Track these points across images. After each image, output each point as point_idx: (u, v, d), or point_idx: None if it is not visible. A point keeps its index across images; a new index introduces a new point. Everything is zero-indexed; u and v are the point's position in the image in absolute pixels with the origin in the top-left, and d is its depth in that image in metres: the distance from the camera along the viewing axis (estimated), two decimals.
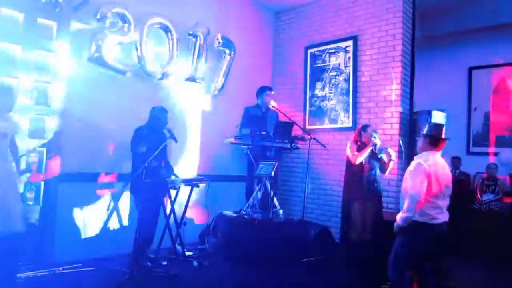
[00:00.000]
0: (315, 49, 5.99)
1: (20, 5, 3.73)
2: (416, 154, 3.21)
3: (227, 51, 5.54)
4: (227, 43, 5.51)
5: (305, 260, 4.44)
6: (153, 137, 3.88)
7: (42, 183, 3.81)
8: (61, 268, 3.65)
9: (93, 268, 3.79)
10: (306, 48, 6.09)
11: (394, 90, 5.07)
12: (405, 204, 2.97)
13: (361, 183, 4.17)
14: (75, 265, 3.76)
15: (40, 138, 3.85)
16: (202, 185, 4.22)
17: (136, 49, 4.57)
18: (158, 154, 3.75)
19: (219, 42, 5.41)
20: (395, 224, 3.06)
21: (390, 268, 3.08)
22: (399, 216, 3.03)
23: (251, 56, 6.10)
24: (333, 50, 5.78)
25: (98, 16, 4.24)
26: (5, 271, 2.83)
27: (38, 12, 3.83)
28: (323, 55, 5.89)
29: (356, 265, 4.04)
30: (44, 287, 3.29)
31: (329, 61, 5.82)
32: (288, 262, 4.29)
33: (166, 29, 4.85)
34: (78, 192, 4.11)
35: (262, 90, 5.19)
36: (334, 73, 5.75)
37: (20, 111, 3.64)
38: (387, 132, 5.06)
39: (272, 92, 5.22)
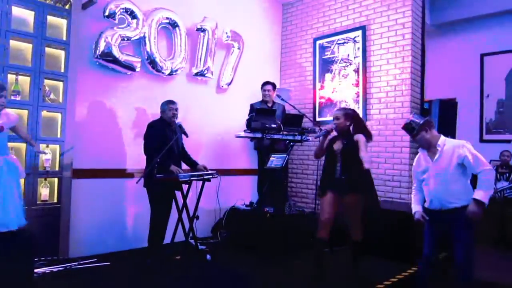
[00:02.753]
0: (324, 40, 5.94)
1: (31, 3, 3.77)
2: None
3: (236, 45, 5.52)
4: (235, 36, 5.50)
5: None
6: (165, 132, 3.89)
7: (57, 179, 3.86)
8: (76, 263, 3.69)
9: (109, 263, 3.83)
10: (315, 40, 6.04)
11: (404, 79, 5.02)
12: (489, 179, 2.76)
13: (331, 174, 3.58)
14: (91, 260, 3.80)
15: (53, 135, 3.90)
16: (213, 179, 4.23)
17: (145, 45, 4.58)
18: (171, 149, 3.77)
19: (227, 36, 5.40)
20: (477, 208, 2.68)
21: (470, 266, 2.75)
22: (481, 196, 2.68)
23: (259, 49, 6.08)
24: (342, 41, 5.73)
25: (106, 13, 4.24)
26: (22, 266, 2.88)
27: (48, 10, 3.86)
28: (332, 46, 5.84)
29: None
30: (61, 282, 3.32)
31: (338, 52, 5.77)
32: (300, 255, 4.29)
33: (174, 24, 4.85)
34: (92, 188, 4.15)
35: (262, 86, 5.21)
36: (343, 64, 5.70)
37: (32, 108, 3.70)
38: (397, 122, 5.01)
39: (269, 87, 5.18)
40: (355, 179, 3.40)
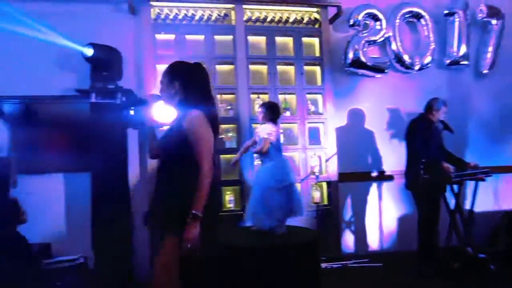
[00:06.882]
0: None
1: (288, 30, 4.31)
2: None
3: (494, 22, 4.73)
4: (493, 11, 4.72)
5: None
6: (429, 130, 3.68)
7: (325, 183, 4.21)
8: (352, 262, 3.90)
9: (381, 264, 3.87)
10: None
11: None
12: None
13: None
14: (364, 260, 3.94)
15: (316, 144, 4.28)
16: (488, 178, 3.70)
17: (390, 44, 4.51)
18: (437, 147, 3.54)
19: (482, 13, 4.70)
20: None
21: None
22: None
23: None
24: None
25: (351, 22, 4.41)
26: (311, 261, 3.20)
27: (302, 33, 4.33)
28: None
29: None
30: (340, 278, 3.57)
31: None
32: None
33: (418, 16, 4.59)
34: (355, 191, 4.39)
35: None
36: None
37: (300, 121, 4.19)
38: None
39: None
40: (162, 206, 1.90)
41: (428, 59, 4.55)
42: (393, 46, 4.50)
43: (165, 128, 2.07)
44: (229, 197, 3.94)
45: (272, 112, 3.31)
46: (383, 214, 4.46)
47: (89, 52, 3.33)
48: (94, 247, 3.45)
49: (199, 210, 1.77)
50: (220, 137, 3.90)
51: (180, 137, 1.88)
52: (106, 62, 3.50)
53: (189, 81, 1.97)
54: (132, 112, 3.38)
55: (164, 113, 2.08)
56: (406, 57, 4.49)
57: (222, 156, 4.02)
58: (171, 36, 4.02)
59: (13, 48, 3.71)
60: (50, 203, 3.77)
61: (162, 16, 4.01)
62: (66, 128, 3.79)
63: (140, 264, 3.71)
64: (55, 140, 3.78)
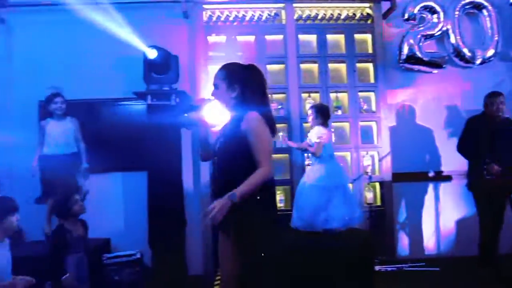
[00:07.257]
0: None
1: (339, 27, 4.23)
2: None
3: None
4: None
5: None
6: (486, 128, 3.46)
7: (378, 184, 4.10)
8: (407, 265, 3.76)
9: (438, 268, 3.70)
10: None
11: None
12: None
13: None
14: (419, 264, 3.79)
15: (369, 143, 4.17)
16: None
17: (449, 38, 4.28)
18: (503, 146, 3.32)
19: None
20: None
21: None
22: None
23: None
24: None
25: (405, 17, 4.24)
26: (365, 263, 3.13)
27: (354, 29, 4.23)
28: None
29: None
30: (396, 282, 3.46)
31: None
32: None
33: (479, 6, 4.32)
34: (410, 191, 4.22)
35: None
36: None
37: (352, 120, 4.11)
38: None
39: None
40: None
41: (490, 52, 4.27)
42: (452, 40, 4.27)
43: (218, 130, 2.08)
44: (279, 197, 3.94)
45: (322, 116, 3.38)
46: (440, 216, 4.26)
47: (153, 54, 3.45)
48: (150, 242, 3.61)
49: (239, 195, 1.74)
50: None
51: (237, 138, 1.87)
52: (164, 65, 3.63)
53: (248, 83, 1.96)
54: (185, 115, 3.49)
55: (216, 115, 2.10)
56: (466, 51, 4.25)
57: (273, 156, 4.04)
58: (223, 38, 4.09)
59: (75, 54, 3.97)
60: (109, 200, 3.99)
61: (214, 18, 4.09)
62: (124, 129, 3.98)
63: (193, 258, 3.84)
64: (114, 141, 3.97)
